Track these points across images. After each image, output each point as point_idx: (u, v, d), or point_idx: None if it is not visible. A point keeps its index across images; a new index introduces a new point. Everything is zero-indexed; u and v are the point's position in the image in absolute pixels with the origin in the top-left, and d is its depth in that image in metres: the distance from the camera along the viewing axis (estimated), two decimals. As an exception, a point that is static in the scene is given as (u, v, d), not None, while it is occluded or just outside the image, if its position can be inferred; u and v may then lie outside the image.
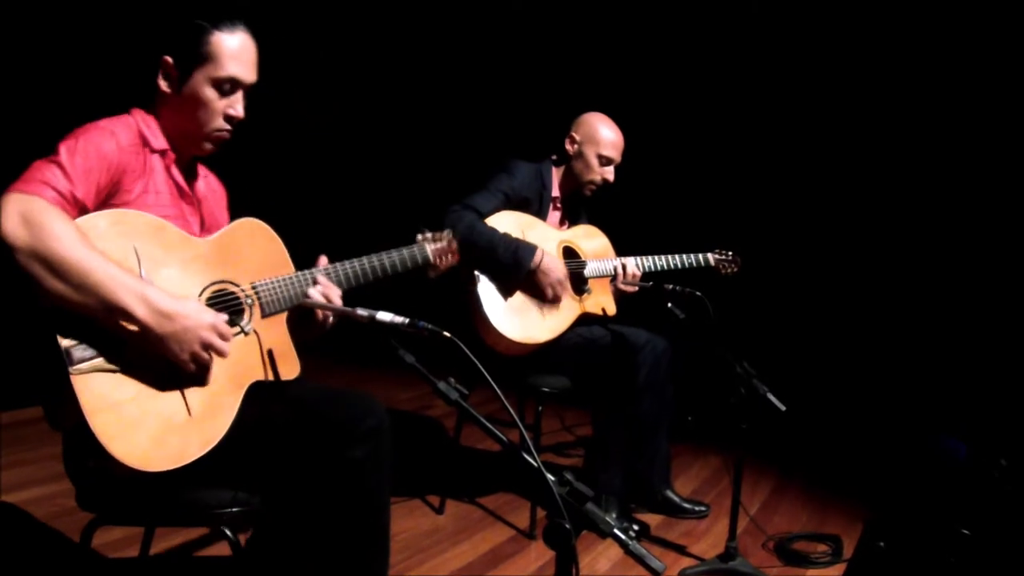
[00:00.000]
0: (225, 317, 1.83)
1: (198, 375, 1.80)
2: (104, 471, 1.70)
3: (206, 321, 1.76)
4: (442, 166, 5.73)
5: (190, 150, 2.03)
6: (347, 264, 2.20)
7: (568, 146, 3.45)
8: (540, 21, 5.90)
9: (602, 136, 3.39)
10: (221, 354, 1.80)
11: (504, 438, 1.65)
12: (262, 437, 1.89)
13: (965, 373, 4.66)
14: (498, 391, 1.63)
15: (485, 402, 3.58)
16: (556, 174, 3.48)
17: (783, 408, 2.82)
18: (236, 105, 1.98)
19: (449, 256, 2.54)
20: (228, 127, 2.00)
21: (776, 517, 3.68)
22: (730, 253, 3.81)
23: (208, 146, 2.01)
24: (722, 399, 2.99)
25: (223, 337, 1.80)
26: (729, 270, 3.79)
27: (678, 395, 3.42)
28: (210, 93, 1.94)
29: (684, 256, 3.64)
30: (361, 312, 1.88)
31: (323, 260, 2.18)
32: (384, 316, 1.82)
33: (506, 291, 3.15)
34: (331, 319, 2.14)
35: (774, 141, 5.43)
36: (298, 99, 5.92)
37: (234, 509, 1.87)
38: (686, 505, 3.48)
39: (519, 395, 3.37)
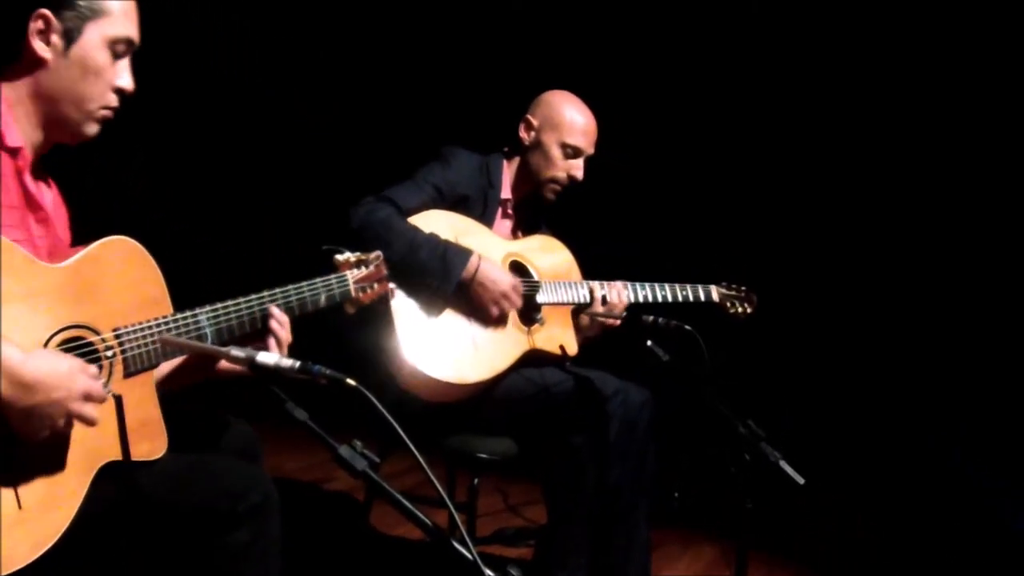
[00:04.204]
0: (95, 370, 1.78)
1: (38, 456, 1.75)
2: None
3: (78, 389, 1.71)
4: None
5: (62, 138, 2.03)
6: (243, 305, 2.18)
7: (523, 133, 3.45)
8: (541, 21, 6.04)
9: (567, 119, 3.40)
10: (90, 424, 1.77)
11: (428, 521, 1.68)
12: (113, 524, 1.88)
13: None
14: (420, 458, 1.65)
15: (403, 472, 3.56)
16: (508, 171, 3.48)
17: (801, 481, 2.85)
18: (124, 74, 2.01)
19: (376, 286, 2.55)
20: (117, 103, 2.02)
21: (792, 626, 3.76)
22: (742, 288, 3.79)
23: (93, 128, 2.02)
24: (720, 469, 3.01)
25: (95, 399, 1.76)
26: (739, 310, 3.76)
27: (661, 463, 3.46)
28: (104, 58, 1.97)
29: (677, 287, 3.61)
30: (236, 352, 1.86)
31: None
32: (267, 358, 1.81)
33: (430, 310, 3.13)
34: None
35: (783, 146, 5.58)
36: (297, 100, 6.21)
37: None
38: (672, 610, 3.53)
39: (448, 463, 3.41)
